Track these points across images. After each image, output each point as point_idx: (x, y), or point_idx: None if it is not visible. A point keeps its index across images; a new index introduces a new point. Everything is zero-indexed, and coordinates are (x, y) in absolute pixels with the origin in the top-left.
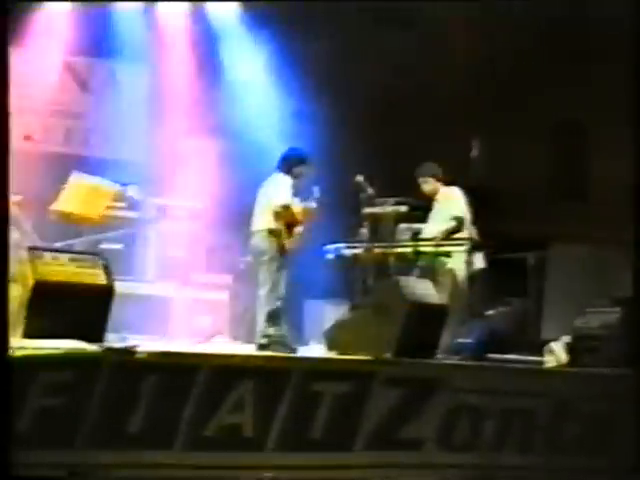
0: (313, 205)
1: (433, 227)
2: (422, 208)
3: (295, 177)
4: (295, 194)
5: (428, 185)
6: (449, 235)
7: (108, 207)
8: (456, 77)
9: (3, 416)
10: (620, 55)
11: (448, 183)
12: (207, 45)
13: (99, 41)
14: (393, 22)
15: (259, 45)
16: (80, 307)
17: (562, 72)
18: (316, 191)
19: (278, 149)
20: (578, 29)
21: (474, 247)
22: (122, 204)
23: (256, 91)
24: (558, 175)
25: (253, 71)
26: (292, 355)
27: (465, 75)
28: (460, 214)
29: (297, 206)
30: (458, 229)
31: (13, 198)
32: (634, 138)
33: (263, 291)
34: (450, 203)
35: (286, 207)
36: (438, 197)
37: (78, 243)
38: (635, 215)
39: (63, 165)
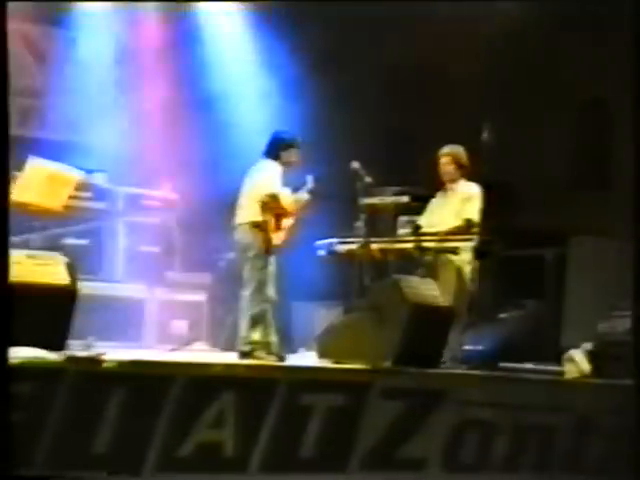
0: (305, 196)
1: (439, 220)
2: (425, 198)
3: (284, 164)
4: (285, 183)
5: (450, 168)
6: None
7: (71, 197)
8: (467, 56)
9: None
10: None
11: (469, 177)
12: (184, 19)
13: (61, 9)
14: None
15: (247, 21)
16: (39, 310)
17: (582, 48)
18: (309, 180)
19: (266, 133)
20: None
21: (484, 244)
22: (87, 194)
23: (240, 68)
24: (579, 161)
25: (237, 47)
26: (279, 364)
27: (477, 54)
28: (475, 218)
29: (287, 196)
30: (466, 231)
31: None
32: None
33: (247, 292)
34: (466, 202)
35: (274, 197)
36: (454, 188)
37: (37, 238)
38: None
39: (18, 149)
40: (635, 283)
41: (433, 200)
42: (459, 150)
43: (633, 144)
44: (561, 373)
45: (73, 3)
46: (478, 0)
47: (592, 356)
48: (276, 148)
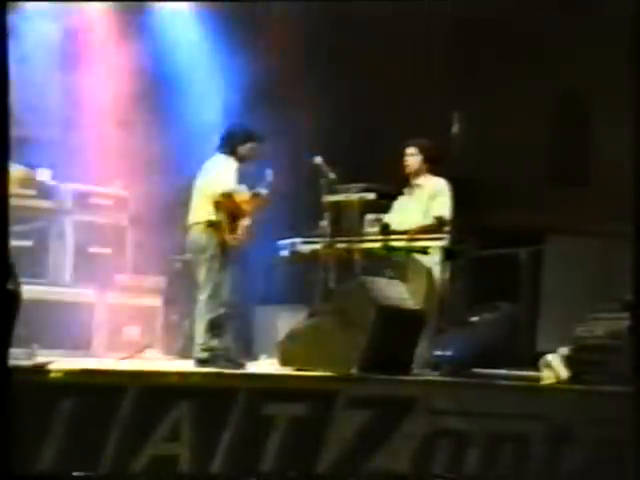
0: (263, 192)
1: (407, 218)
2: (393, 196)
3: (241, 159)
4: (241, 179)
5: (414, 161)
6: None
7: (13, 195)
8: (434, 42)
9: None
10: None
11: (435, 171)
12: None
13: None
14: None
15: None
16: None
17: (560, 41)
18: (268, 175)
19: (221, 126)
20: None
21: (455, 243)
22: (31, 191)
23: (196, 55)
24: (555, 157)
25: (192, 32)
26: (239, 372)
27: (444, 40)
28: (445, 216)
29: (242, 193)
30: (437, 230)
31: None
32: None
33: (203, 295)
34: (435, 199)
35: (228, 195)
36: (421, 184)
37: None
38: (636, 204)
39: None
40: (635, 291)
41: (400, 197)
42: (426, 142)
43: (634, 145)
44: (537, 379)
45: None
46: None
47: (570, 361)
48: (231, 142)
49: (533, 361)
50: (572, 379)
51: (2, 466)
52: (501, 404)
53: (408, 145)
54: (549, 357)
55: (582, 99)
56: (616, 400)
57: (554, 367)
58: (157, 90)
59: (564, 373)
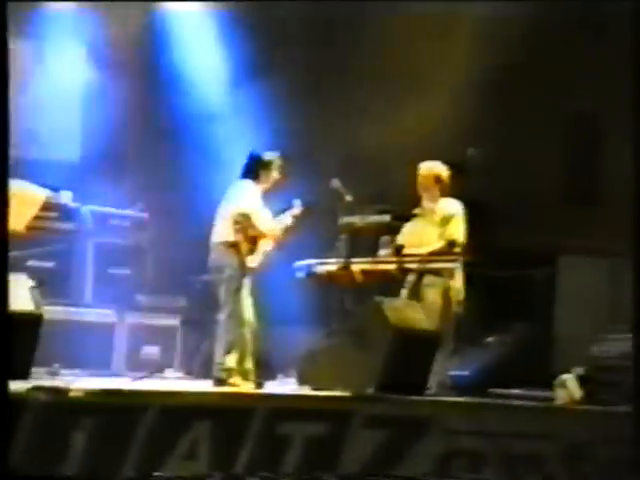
0: (287, 220)
1: (421, 240)
2: (407, 218)
3: (264, 183)
4: (268, 204)
5: (425, 182)
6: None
7: (36, 217)
8: (452, 65)
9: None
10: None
11: (447, 193)
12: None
13: (20, 17)
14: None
15: (220, 38)
16: (2, 337)
17: (572, 62)
18: (297, 204)
19: (244, 151)
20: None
21: (469, 264)
22: (53, 213)
23: (215, 84)
24: (567, 178)
25: (212, 65)
26: (257, 391)
27: (458, 65)
28: (459, 239)
29: (262, 217)
30: (451, 251)
31: None
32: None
33: (222, 315)
34: (449, 221)
35: (246, 216)
36: (433, 206)
37: None
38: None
39: None
40: (635, 309)
41: (413, 219)
42: (438, 165)
43: (633, 161)
44: (551, 399)
45: (35, 10)
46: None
47: (584, 381)
48: (254, 168)
49: (548, 381)
50: (587, 399)
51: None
52: (516, 424)
53: (420, 169)
54: (564, 377)
55: (595, 119)
56: (630, 420)
57: (569, 387)
58: (181, 111)
59: (578, 393)
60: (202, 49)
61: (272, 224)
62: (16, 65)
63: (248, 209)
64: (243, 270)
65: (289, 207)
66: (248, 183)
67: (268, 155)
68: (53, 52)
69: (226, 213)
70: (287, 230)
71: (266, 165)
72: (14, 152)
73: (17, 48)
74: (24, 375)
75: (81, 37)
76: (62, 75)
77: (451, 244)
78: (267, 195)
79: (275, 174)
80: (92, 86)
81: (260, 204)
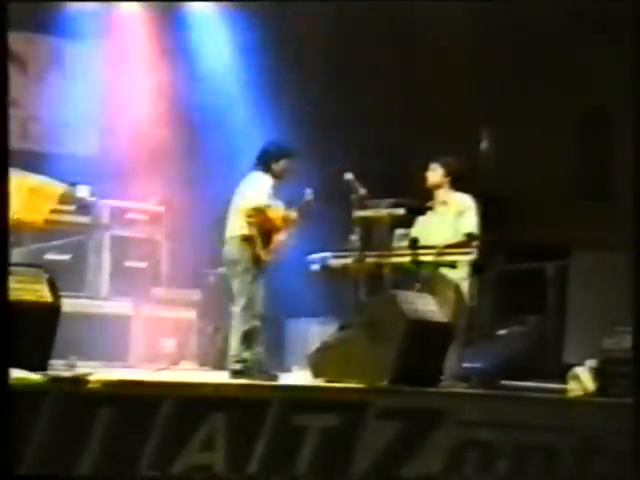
0: (294, 214)
1: (435, 234)
2: (421, 211)
3: (275, 176)
4: (279, 195)
5: (434, 175)
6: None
7: (53, 211)
8: (463, 62)
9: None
10: None
11: (459, 187)
12: (174, 29)
13: (41, 13)
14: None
15: (234, 32)
16: (20, 329)
17: (583, 57)
18: (308, 194)
19: (256, 144)
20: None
21: (483, 257)
22: (70, 207)
23: (229, 80)
24: (580, 172)
25: (227, 59)
26: (272, 383)
27: (473, 60)
28: (474, 231)
29: (275, 209)
30: (465, 244)
31: None
32: None
33: (237, 308)
34: (462, 215)
35: (260, 210)
36: (445, 199)
37: (17, 253)
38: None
39: None
40: (635, 302)
41: (427, 212)
42: (450, 160)
43: (634, 157)
44: (564, 391)
45: (57, 7)
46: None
47: (597, 373)
48: (267, 160)
49: (560, 373)
50: (599, 391)
51: (2, 466)
52: (529, 416)
53: (431, 161)
54: (577, 370)
55: (610, 114)
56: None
57: (582, 380)
58: (197, 106)
59: (591, 385)
60: (218, 46)
61: (285, 217)
62: (33, 60)
63: (261, 203)
64: (257, 263)
65: (301, 197)
66: (260, 175)
67: (281, 147)
68: (75, 49)
69: (239, 206)
70: (297, 221)
71: (279, 157)
72: (34, 147)
73: (34, 42)
74: (42, 367)
75: (100, 34)
76: (81, 70)
77: (469, 238)
78: (279, 186)
79: (287, 166)
80: (110, 81)
81: (272, 196)
